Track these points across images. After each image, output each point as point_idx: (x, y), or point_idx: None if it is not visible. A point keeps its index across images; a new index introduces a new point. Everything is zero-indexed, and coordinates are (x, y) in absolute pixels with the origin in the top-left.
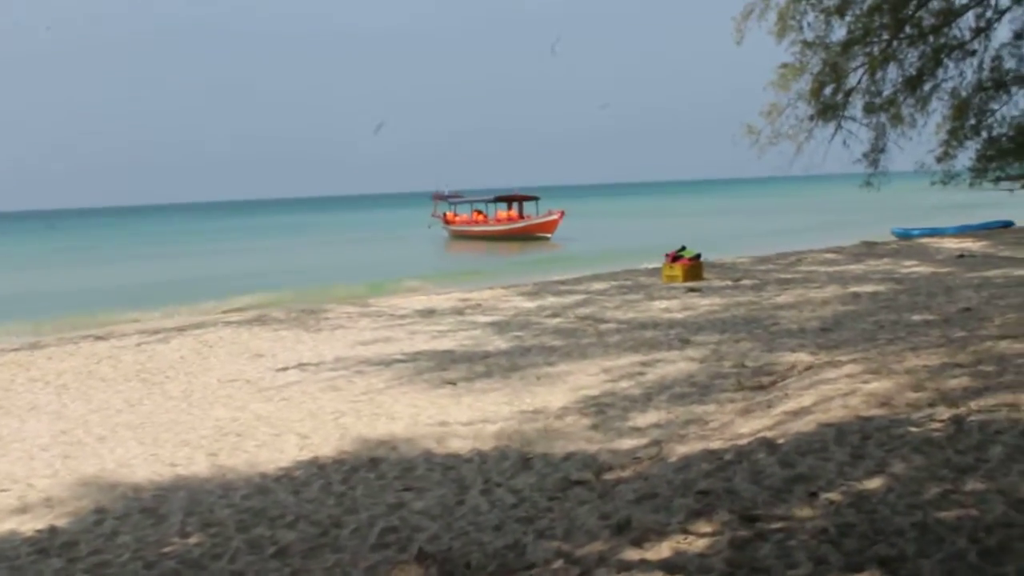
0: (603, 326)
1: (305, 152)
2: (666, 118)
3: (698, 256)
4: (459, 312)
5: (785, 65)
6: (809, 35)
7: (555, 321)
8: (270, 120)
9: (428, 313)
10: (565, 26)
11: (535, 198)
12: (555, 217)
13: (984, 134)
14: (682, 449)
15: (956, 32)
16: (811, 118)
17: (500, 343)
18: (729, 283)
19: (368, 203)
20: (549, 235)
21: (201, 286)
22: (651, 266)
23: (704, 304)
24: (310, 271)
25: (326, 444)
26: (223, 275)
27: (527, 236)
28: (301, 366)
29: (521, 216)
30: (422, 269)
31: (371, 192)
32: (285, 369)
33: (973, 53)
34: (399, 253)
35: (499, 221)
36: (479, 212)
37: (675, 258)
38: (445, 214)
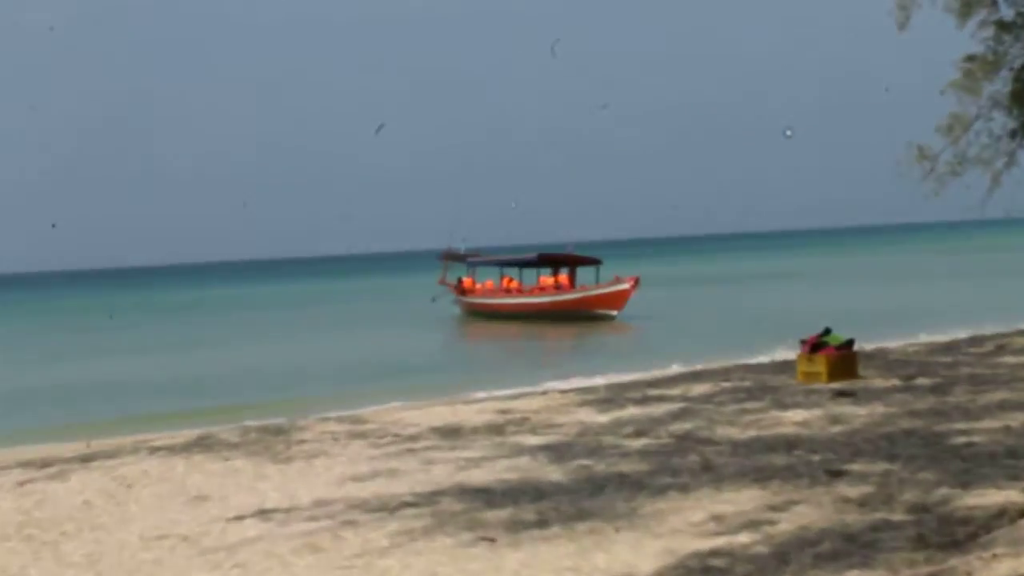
0: (711, 449)
1: (289, 165)
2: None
3: (850, 343)
4: (497, 430)
5: (972, 57)
6: (1008, 12)
7: (639, 442)
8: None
9: (451, 432)
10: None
11: (595, 261)
12: (626, 286)
13: None
14: None
15: None
16: (1013, 134)
17: (558, 476)
18: (897, 383)
19: (355, 265)
20: (615, 312)
21: (117, 392)
22: (778, 358)
23: (861, 415)
24: (273, 372)
25: None
26: (149, 377)
27: (583, 313)
28: (264, 514)
29: (573, 284)
30: (431, 364)
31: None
32: (240, 519)
33: None
34: (401, 340)
35: (542, 291)
36: (510, 278)
37: (816, 346)
38: (460, 280)
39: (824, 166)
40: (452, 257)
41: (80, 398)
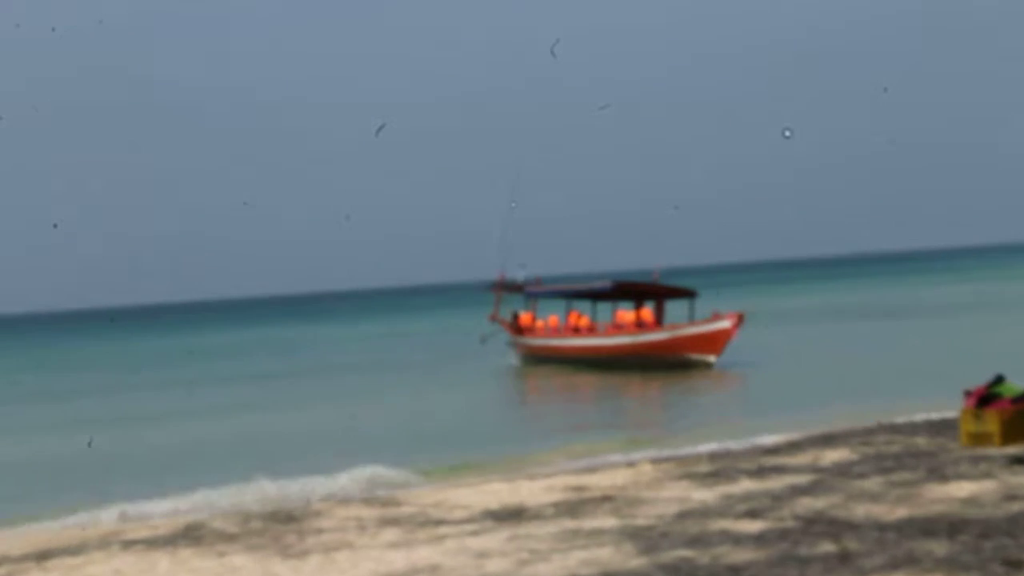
0: (849, 534)
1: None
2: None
3: None
4: (570, 512)
5: None
6: None
7: (756, 526)
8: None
9: (511, 515)
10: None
11: (689, 292)
12: (727, 325)
13: None
14: None
15: None
16: None
17: (650, 570)
18: None
19: (382, 301)
20: (714, 357)
21: (80, 470)
22: (935, 416)
23: None
24: (281, 440)
25: None
26: (125, 451)
27: (673, 359)
28: None
29: (660, 321)
30: (482, 429)
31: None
32: None
33: None
34: (441, 397)
35: (619, 329)
36: (579, 313)
37: (985, 399)
38: (516, 316)
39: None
40: (506, 287)
41: (37, 474)
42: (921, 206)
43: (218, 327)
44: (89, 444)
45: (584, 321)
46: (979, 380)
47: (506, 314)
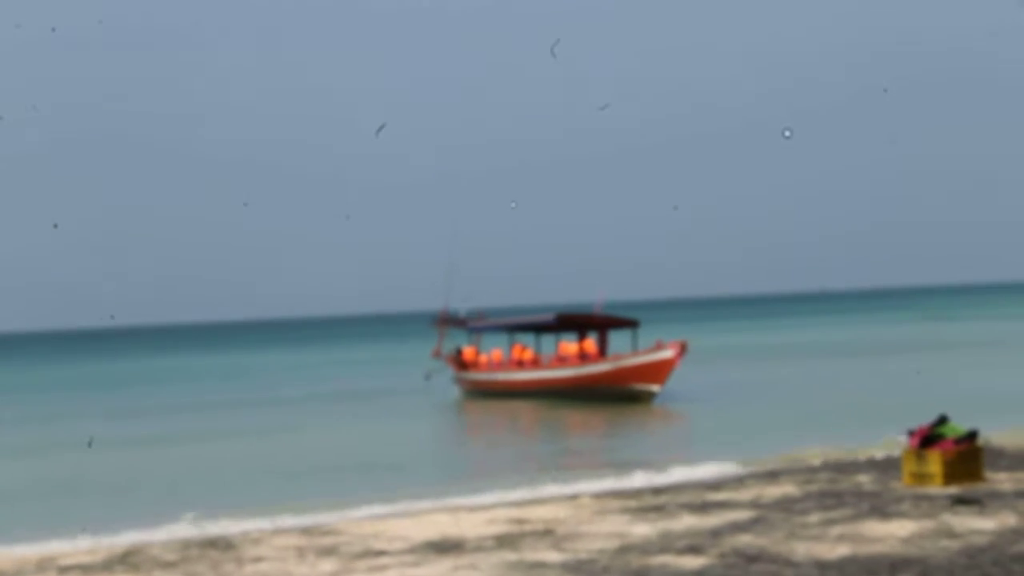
0: (790, 572)
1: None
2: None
3: (972, 436)
4: (510, 544)
5: None
6: None
7: (696, 562)
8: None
9: (450, 547)
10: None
11: (631, 322)
12: (670, 355)
13: None
14: None
15: None
16: None
17: None
18: None
19: (326, 329)
20: (657, 387)
21: (11, 498)
22: (878, 455)
23: (988, 529)
24: (216, 468)
25: None
26: (46, 475)
27: (616, 390)
28: None
29: (603, 352)
30: (422, 460)
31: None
32: None
33: None
34: (383, 429)
35: (563, 362)
36: (523, 346)
37: (928, 439)
38: (459, 350)
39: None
40: (450, 322)
41: None
42: (891, 243)
43: (143, 353)
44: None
45: (528, 354)
46: (923, 420)
47: (450, 348)
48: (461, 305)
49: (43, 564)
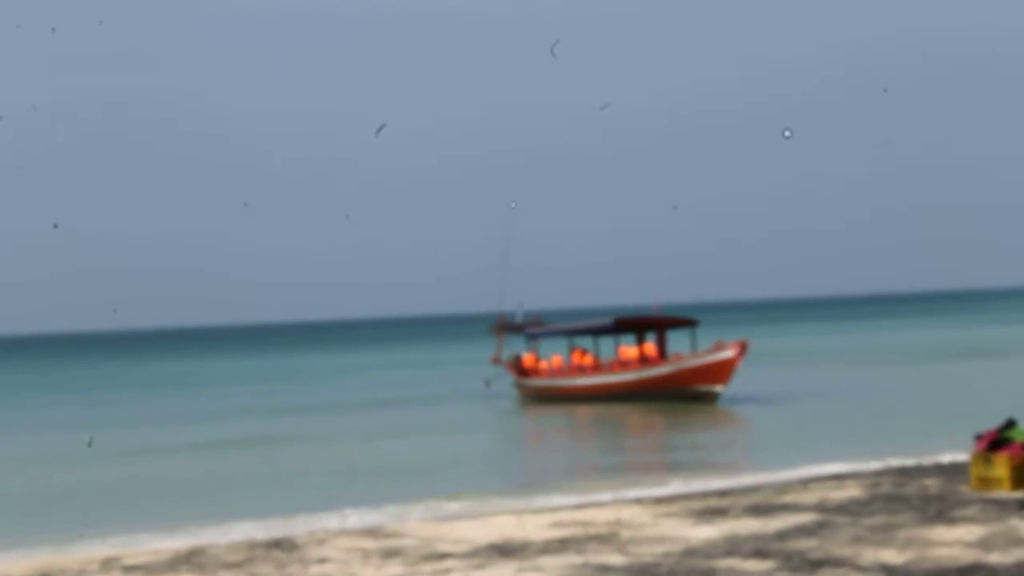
0: None
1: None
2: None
3: None
4: (574, 547)
5: None
6: None
7: (757, 567)
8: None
9: (515, 550)
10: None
11: (690, 321)
12: (731, 354)
13: None
14: None
15: None
16: None
17: None
18: None
19: (371, 334)
20: (720, 387)
21: (79, 498)
22: (945, 459)
23: None
24: (278, 472)
25: None
26: (110, 477)
27: (678, 391)
28: None
29: (663, 354)
30: (486, 464)
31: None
32: None
33: None
34: (446, 433)
35: (623, 366)
36: (582, 351)
37: (995, 443)
38: (520, 357)
39: None
40: (507, 328)
41: (35, 501)
42: (948, 247)
43: (181, 355)
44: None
45: (588, 359)
46: (991, 424)
47: (509, 354)
48: (517, 310)
49: (107, 564)
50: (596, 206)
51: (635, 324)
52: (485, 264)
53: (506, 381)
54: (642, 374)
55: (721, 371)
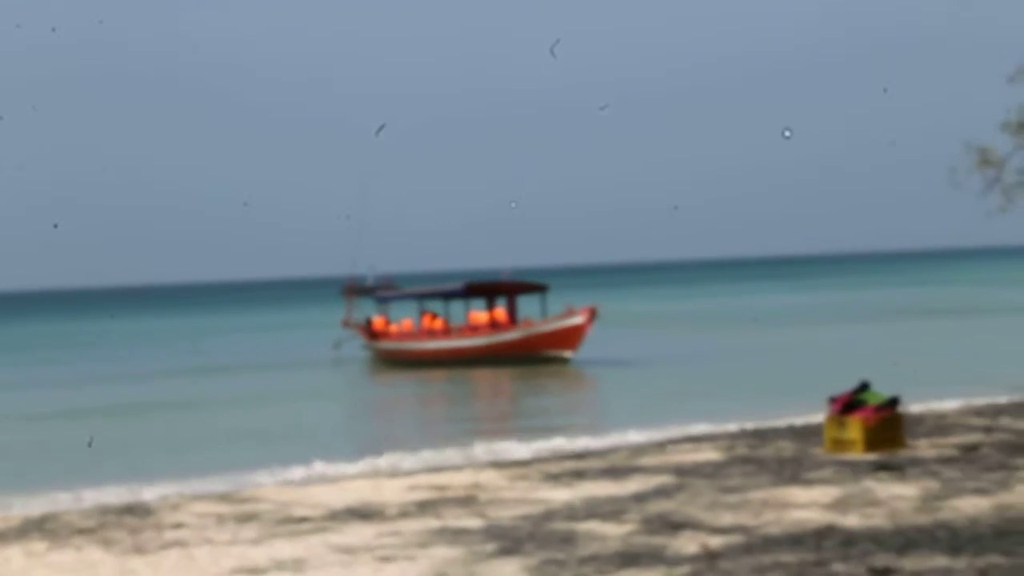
0: (713, 540)
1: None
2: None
3: (894, 402)
4: (432, 511)
5: None
6: None
7: (616, 530)
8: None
9: (372, 513)
10: None
11: (540, 287)
12: (580, 320)
13: None
14: None
15: None
16: None
17: (514, 571)
18: (954, 453)
19: (230, 297)
20: (569, 353)
21: None
22: (799, 422)
23: (909, 495)
24: (124, 436)
25: None
26: None
27: (528, 356)
28: None
29: (514, 320)
30: (339, 428)
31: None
32: None
33: None
34: (297, 397)
35: (474, 331)
36: (433, 314)
37: (849, 406)
38: (369, 320)
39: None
40: (357, 291)
41: None
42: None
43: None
44: None
45: (438, 323)
46: (845, 387)
47: (359, 317)
48: (367, 273)
49: None
50: (461, 171)
51: (486, 289)
52: (343, 227)
53: (356, 344)
54: (492, 339)
55: (570, 337)
